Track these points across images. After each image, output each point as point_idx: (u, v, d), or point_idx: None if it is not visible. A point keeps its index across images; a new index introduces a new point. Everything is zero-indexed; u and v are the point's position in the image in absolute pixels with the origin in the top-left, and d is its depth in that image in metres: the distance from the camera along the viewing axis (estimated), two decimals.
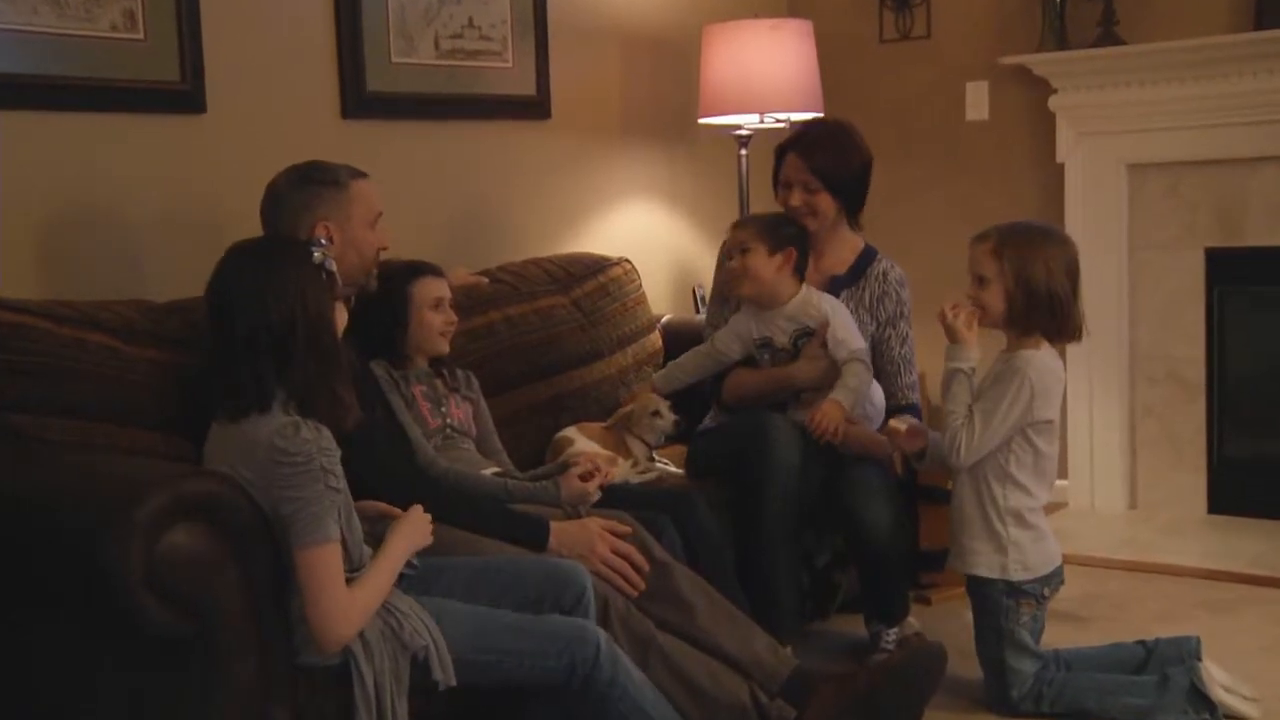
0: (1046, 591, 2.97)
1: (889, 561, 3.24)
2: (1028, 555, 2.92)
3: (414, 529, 2.35)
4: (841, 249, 3.47)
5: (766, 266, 3.27)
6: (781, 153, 3.43)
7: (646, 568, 2.71)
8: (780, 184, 3.42)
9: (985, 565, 2.95)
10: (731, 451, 3.20)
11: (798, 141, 3.40)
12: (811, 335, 3.27)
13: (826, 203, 3.36)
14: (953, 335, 2.92)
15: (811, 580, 3.43)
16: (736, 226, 3.40)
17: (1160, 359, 4.50)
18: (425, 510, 2.43)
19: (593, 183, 4.34)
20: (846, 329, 3.27)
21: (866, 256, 3.46)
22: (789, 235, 3.30)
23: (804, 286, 3.32)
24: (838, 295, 3.39)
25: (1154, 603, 3.70)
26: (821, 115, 3.94)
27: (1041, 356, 2.93)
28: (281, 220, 2.70)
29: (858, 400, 3.25)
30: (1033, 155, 4.60)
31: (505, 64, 3.99)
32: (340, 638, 2.14)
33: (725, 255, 3.44)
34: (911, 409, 3.39)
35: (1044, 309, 2.89)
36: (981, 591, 2.97)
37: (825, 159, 3.35)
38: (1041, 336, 2.94)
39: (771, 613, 3.00)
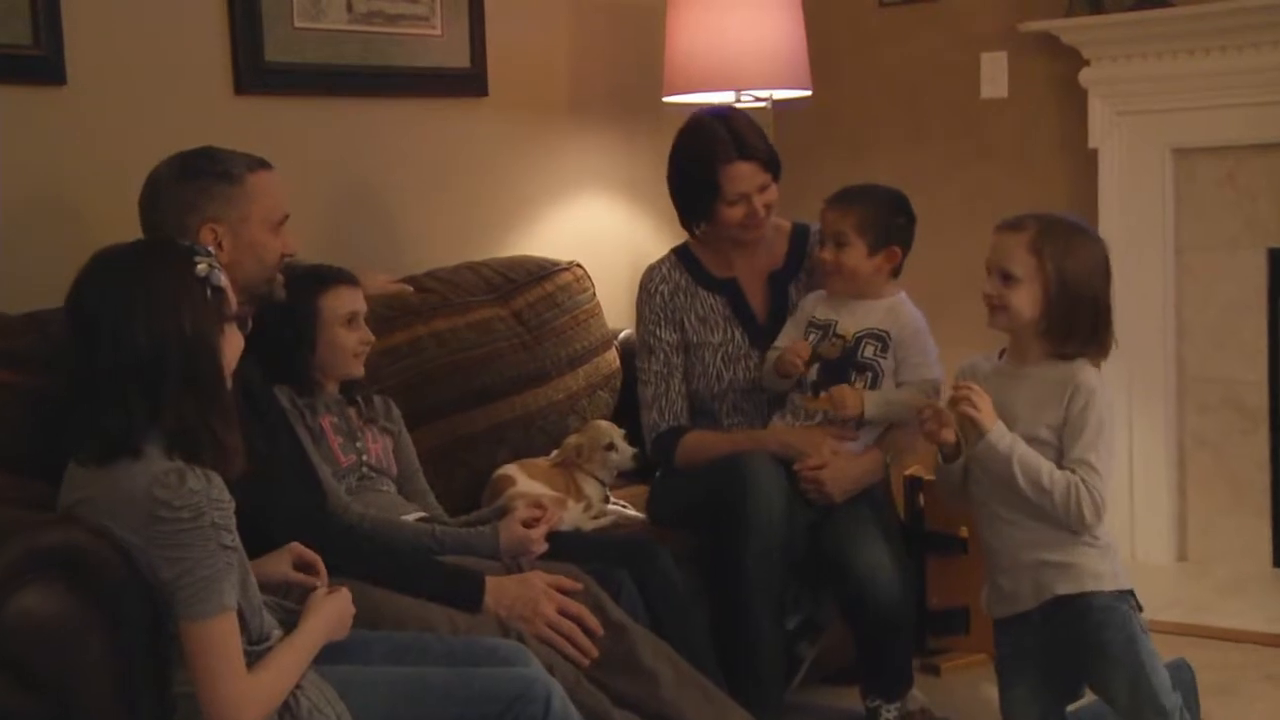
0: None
1: (889, 621, 3.23)
2: (1118, 563, 2.95)
3: (337, 616, 2.32)
4: (772, 236, 3.55)
5: (864, 266, 3.31)
6: (710, 170, 3.38)
7: (600, 631, 2.71)
8: (724, 203, 3.41)
9: (1102, 577, 2.92)
10: (704, 494, 3.21)
11: (732, 147, 3.37)
12: (879, 339, 3.29)
13: (775, 192, 3.44)
14: (979, 426, 2.85)
15: None
16: (834, 208, 3.32)
17: (1214, 381, 4.52)
18: (336, 566, 2.41)
19: (538, 172, 4.34)
20: (924, 354, 3.32)
21: (799, 235, 3.55)
22: (895, 230, 3.33)
23: (900, 294, 3.37)
24: (783, 292, 3.49)
25: (1209, 674, 3.67)
26: (714, 108, 3.71)
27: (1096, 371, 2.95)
28: (162, 220, 2.68)
29: (886, 413, 3.28)
30: (1060, 139, 4.63)
31: (433, 31, 3.98)
32: None
33: (818, 238, 3.41)
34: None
35: (1087, 318, 2.91)
36: (1096, 606, 2.92)
37: (765, 146, 3.43)
38: (1080, 352, 2.95)
39: (750, 685, 3.01)
